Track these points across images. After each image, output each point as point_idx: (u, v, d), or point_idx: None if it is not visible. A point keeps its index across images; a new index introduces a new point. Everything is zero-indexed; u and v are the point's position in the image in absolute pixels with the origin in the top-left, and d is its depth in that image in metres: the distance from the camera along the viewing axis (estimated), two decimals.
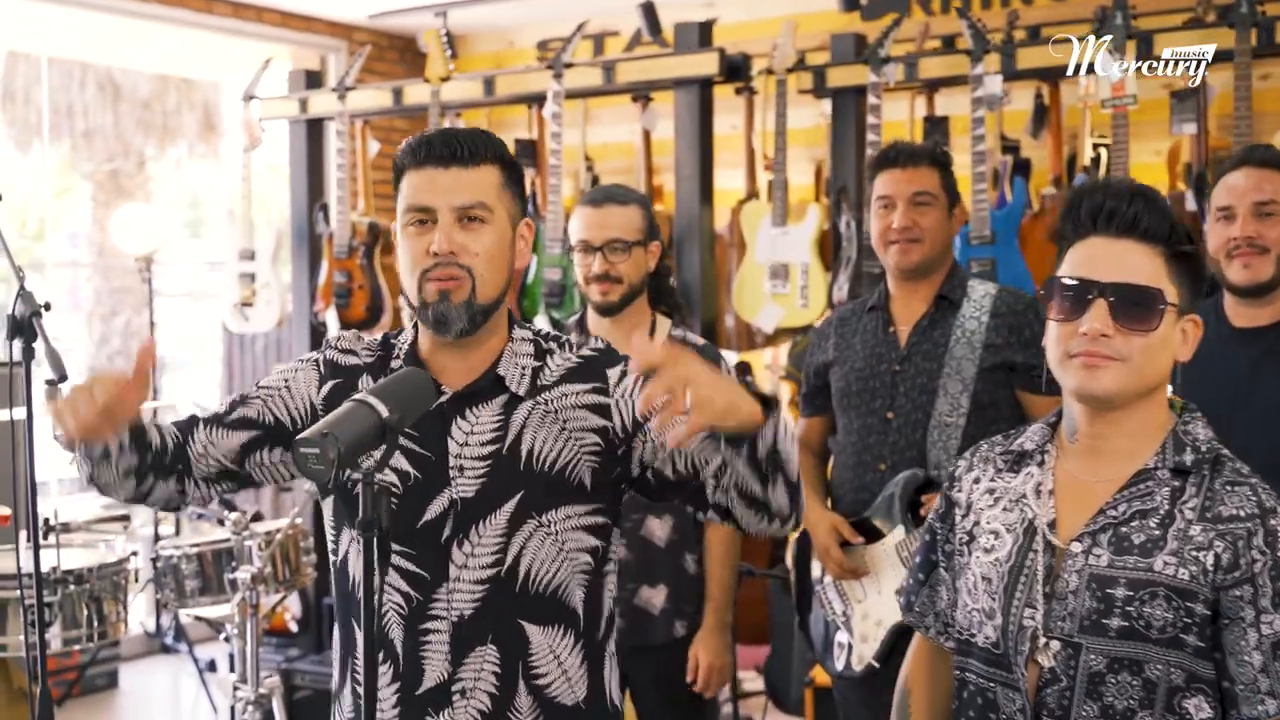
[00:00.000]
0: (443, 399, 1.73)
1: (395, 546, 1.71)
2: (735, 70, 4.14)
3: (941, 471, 2.63)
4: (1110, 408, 1.59)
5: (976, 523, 1.69)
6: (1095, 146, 4.13)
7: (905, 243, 2.67)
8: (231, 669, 3.09)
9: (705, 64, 4.06)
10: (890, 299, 2.77)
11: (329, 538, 1.85)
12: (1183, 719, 1.52)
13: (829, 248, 4.01)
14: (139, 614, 5.58)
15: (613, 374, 1.77)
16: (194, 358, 8.99)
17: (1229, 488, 1.56)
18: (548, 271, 4.15)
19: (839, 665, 2.73)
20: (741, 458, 1.58)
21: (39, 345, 2.26)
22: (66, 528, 3.08)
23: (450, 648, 1.71)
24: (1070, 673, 1.55)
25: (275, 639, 4.83)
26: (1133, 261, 1.58)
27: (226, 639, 3.08)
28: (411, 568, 1.72)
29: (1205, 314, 1.84)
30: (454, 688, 1.71)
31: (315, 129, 5.00)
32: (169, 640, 5.72)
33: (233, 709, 3.13)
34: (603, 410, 1.75)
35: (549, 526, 1.72)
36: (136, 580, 3.16)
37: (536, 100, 4.44)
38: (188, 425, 1.82)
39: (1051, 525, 1.61)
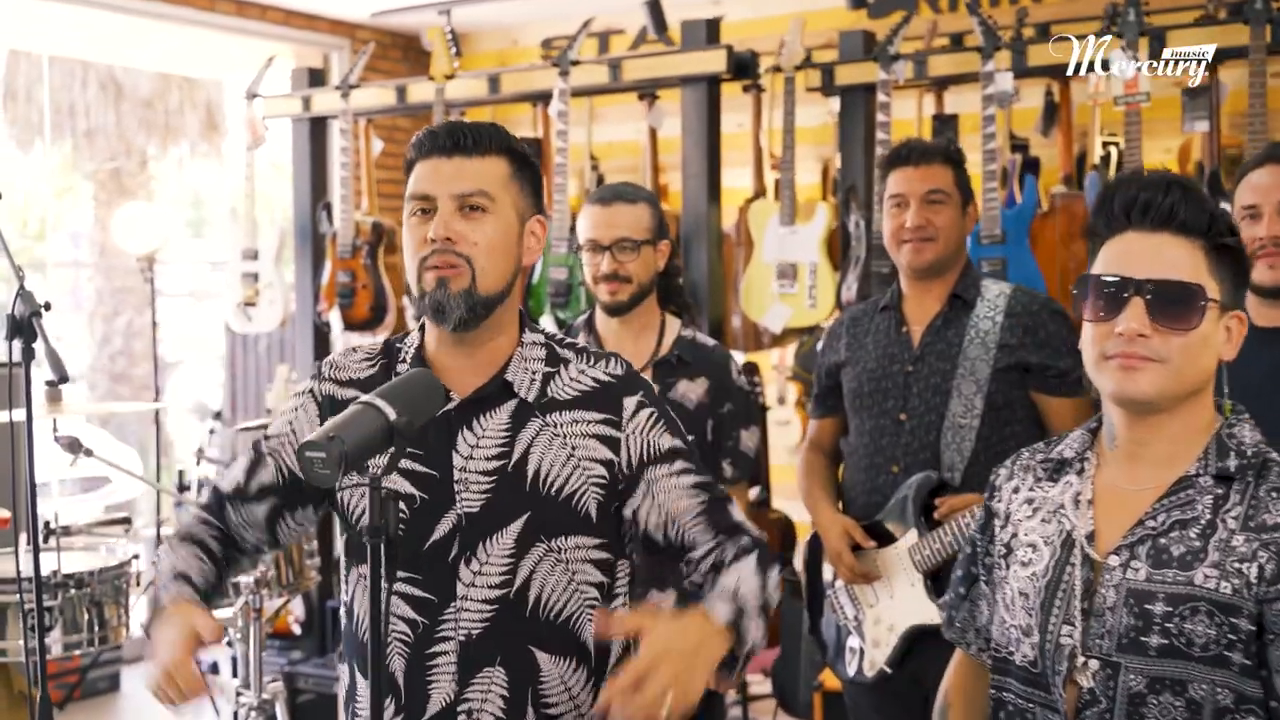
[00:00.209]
0: (449, 406, 1.70)
1: (402, 573, 1.68)
2: (743, 68, 4.10)
3: (955, 474, 2.59)
4: (1150, 411, 1.51)
5: (1014, 534, 1.61)
6: (1105, 145, 4.08)
7: (918, 242, 2.63)
8: (234, 673, 3.05)
9: (713, 61, 4.02)
10: (903, 298, 2.73)
11: (341, 573, 1.84)
12: None
13: (837, 247, 3.98)
14: (141, 617, 5.54)
15: (628, 405, 1.74)
16: (196, 358, 8.96)
17: (1275, 494, 1.47)
18: (553, 271, 4.11)
19: (850, 671, 2.70)
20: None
21: (39, 346, 2.22)
22: (67, 531, 3.04)
23: (458, 668, 1.68)
24: (1109, 694, 1.47)
25: (279, 642, 4.80)
26: (1170, 256, 1.49)
27: (229, 643, 3.04)
28: (418, 593, 1.69)
29: None
30: (460, 708, 1.67)
31: (318, 127, 4.97)
32: None
33: (235, 715, 3.09)
34: (612, 444, 1.72)
35: (559, 553, 1.69)
36: (139, 584, 3.13)
37: (542, 98, 4.41)
38: (218, 508, 1.83)
39: (1090, 537, 1.53)
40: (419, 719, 1.68)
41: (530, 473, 1.69)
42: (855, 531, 2.66)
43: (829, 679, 3.53)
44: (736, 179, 4.61)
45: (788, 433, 5.14)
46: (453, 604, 1.67)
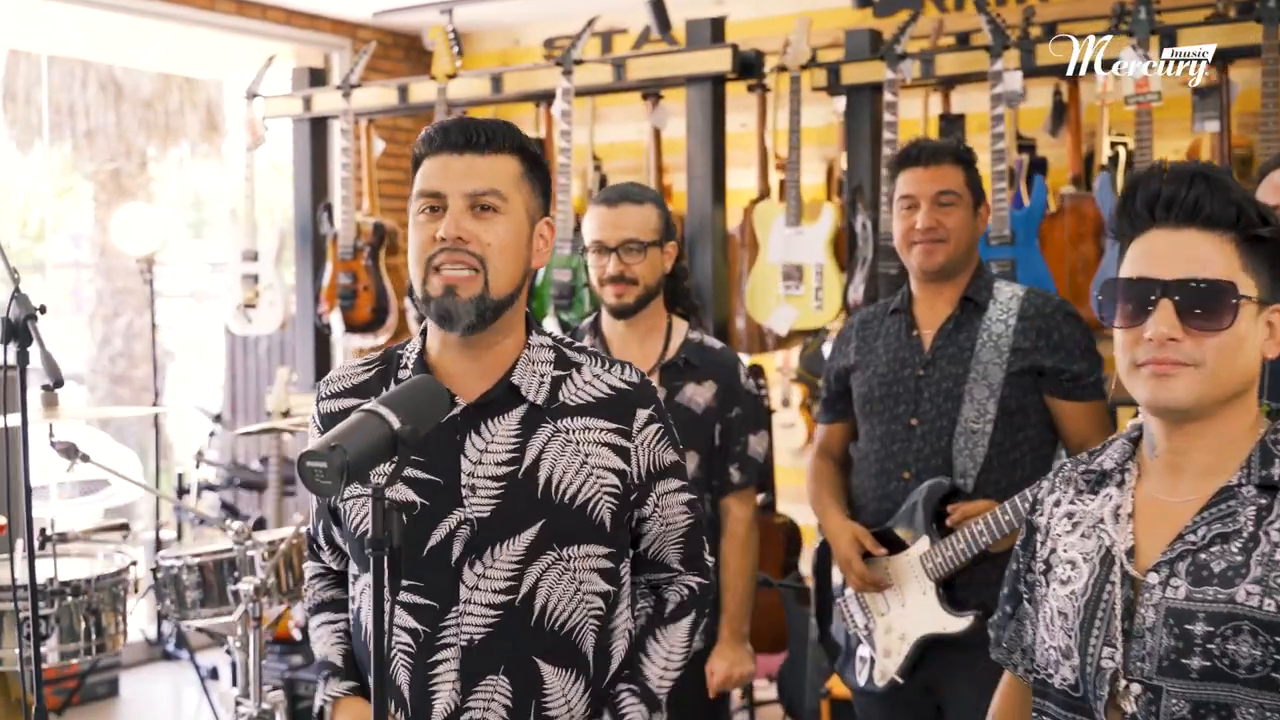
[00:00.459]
0: (455, 411, 1.66)
1: (403, 582, 1.66)
2: (748, 67, 4.06)
3: (968, 480, 2.55)
4: (1188, 419, 1.43)
5: (1054, 550, 1.54)
6: (1113, 145, 4.05)
7: (929, 243, 2.58)
8: (234, 682, 3.01)
9: (718, 60, 3.98)
10: (913, 301, 2.68)
11: (349, 584, 1.82)
12: None
13: (843, 248, 3.94)
14: (140, 621, 5.50)
15: (640, 416, 1.73)
16: (196, 359, 8.92)
17: None
18: (556, 273, 4.06)
19: (861, 680, 2.65)
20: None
21: (34, 350, 2.18)
22: (64, 537, 2.99)
23: (459, 675, 1.65)
24: (1152, 719, 1.39)
25: (279, 647, 4.75)
26: (1198, 253, 1.41)
27: (228, 651, 3.00)
28: (420, 600, 1.66)
29: None
30: (463, 717, 1.65)
31: (319, 128, 4.93)
32: (170, 647, 5.65)
33: None
34: (623, 453, 1.71)
35: (568, 562, 1.67)
36: (137, 590, 3.08)
37: (545, 98, 4.37)
38: (314, 551, 1.90)
39: (1130, 553, 1.46)
40: None
41: (542, 480, 1.67)
42: (866, 539, 2.62)
43: (837, 686, 3.49)
44: (740, 179, 4.57)
45: (792, 435, 5.10)
46: (455, 608, 1.65)
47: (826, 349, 4.52)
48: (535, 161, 1.71)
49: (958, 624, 2.51)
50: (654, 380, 2.38)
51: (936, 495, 2.55)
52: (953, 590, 2.55)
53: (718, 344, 2.78)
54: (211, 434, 5.97)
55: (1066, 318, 2.58)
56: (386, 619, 1.42)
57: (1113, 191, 3.59)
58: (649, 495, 1.76)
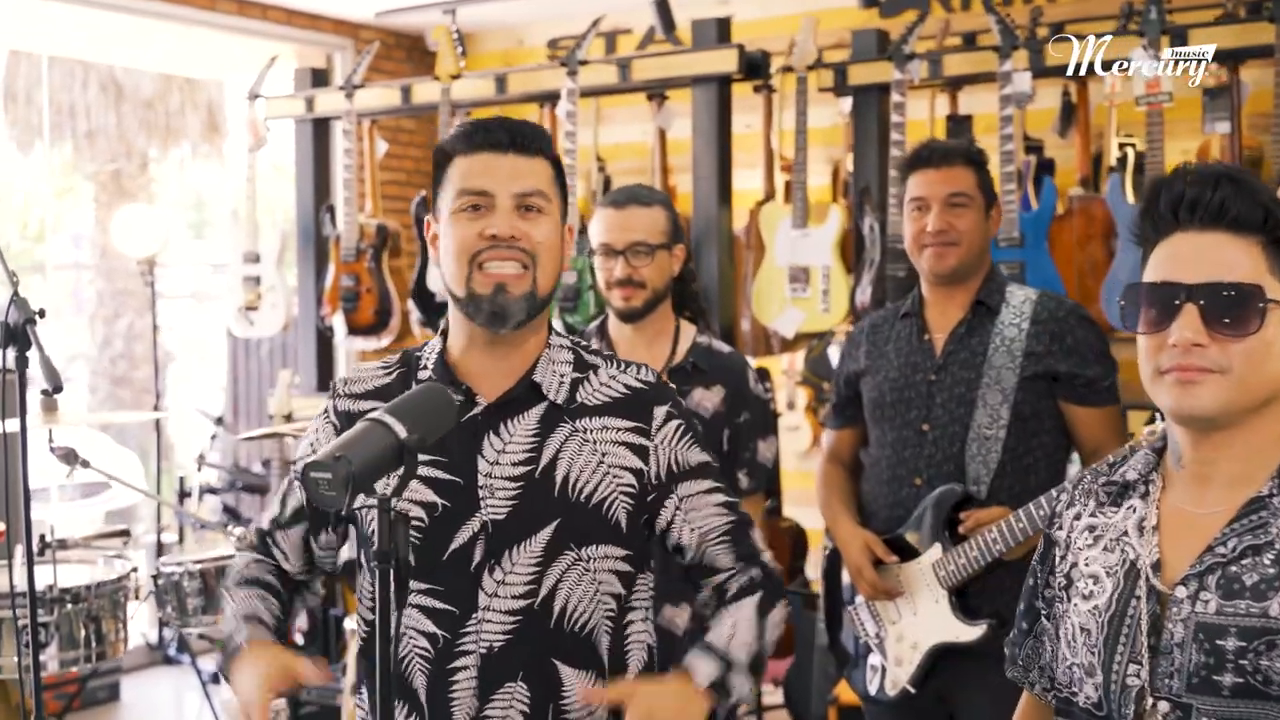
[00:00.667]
0: (476, 411, 1.66)
1: (421, 585, 1.64)
2: (754, 68, 4.03)
3: (981, 486, 2.51)
4: (1215, 428, 1.39)
5: (1074, 565, 1.49)
6: (1121, 146, 4.01)
7: (940, 246, 2.55)
8: None
9: (724, 61, 3.95)
10: (925, 305, 2.65)
11: (361, 586, 1.78)
12: None
13: (850, 250, 3.90)
14: (141, 625, 5.47)
15: (658, 414, 1.71)
16: (198, 361, 8.89)
17: None
18: (561, 275, 4.03)
19: (872, 689, 2.62)
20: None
21: (33, 354, 2.15)
22: (63, 544, 2.96)
23: (478, 683, 1.63)
24: None
25: None
26: (1224, 256, 1.36)
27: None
28: (439, 605, 1.64)
29: None
30: None
31: (321, 128, 4.90)
32: (171, 652, 5.62)
33: None
34: (641, 453, 1.69)
35: (587, 562, 1.65)
36: (138, 596, 3.05)
37: (549, 99, 4.33)
38: (263, 546, 1.81)
39: (1156, 566, 1.41)
40: None
41: (559, 478, 1.65)
42: (877, 546, 2.58)
43: (845, 693, 3.46)
44: (745, 181, 4.53)
45: (797, 438, 5.06)
46: (474, 615, 1.62)
47: (831, 351, 4.49)
48: (560, 166, 1.72)
49: (971, 633, 2.48)
50: None
51: (949, 502, 2.51)
52: (965, 598, 2.51)
53: (726, 348, 2.75)
54: (213, 436, 5.94)
55: (1080, 321, 2.55)
56: (393, 629, 1.38)
57: (1122, 193, 3.56)
58: (668, 496, 1.71)
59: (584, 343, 1.78)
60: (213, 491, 5.47)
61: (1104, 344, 2.57)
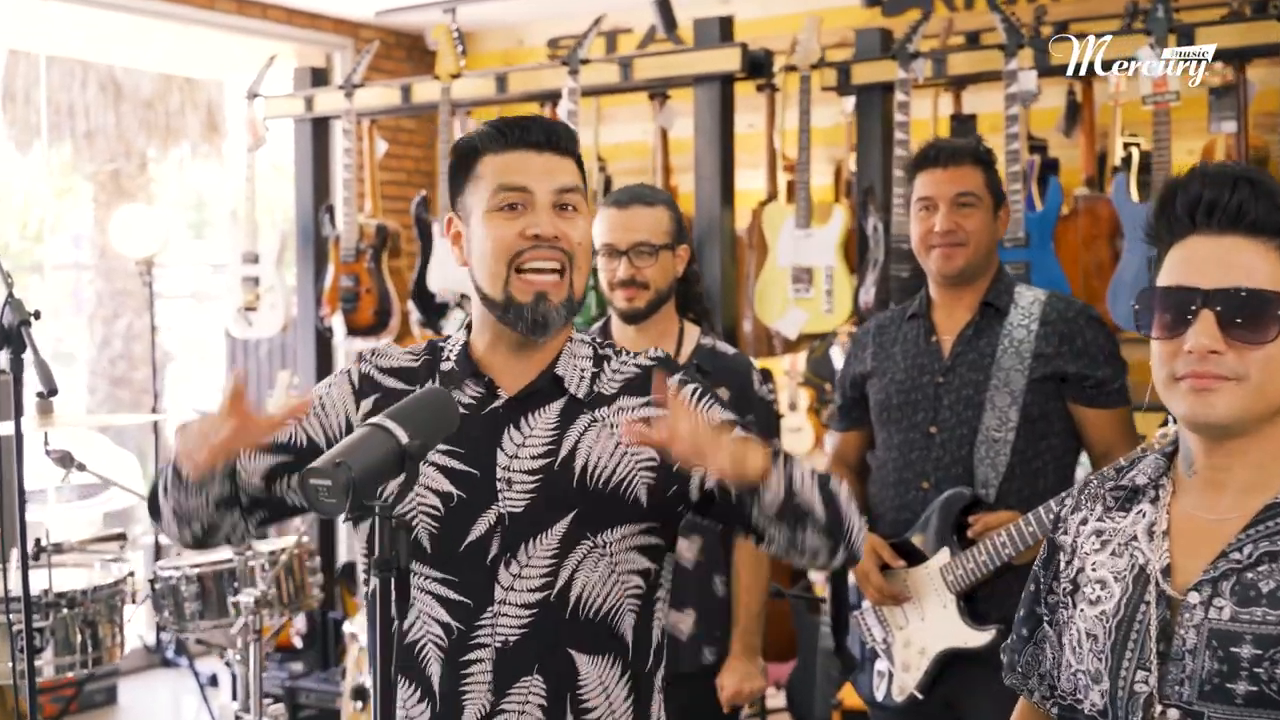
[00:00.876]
0: (497, 404, 1.64)
1: (436, 574, 1.62)
2: (757, 67, 4.00)
3: (989, 490, 2.48)
4: (1229, 436, 1.36)
5: (1081, 570, 1.46)
6: (1126, 145, 3.99)
7: (948, 247, 2.51)
8: (234, 695, 2.94)
9: (727, 60, 3.92)
10: (932, 306, 2.61)
11: (360, 567, 1.75)
12: None
13: (854, 250, 3.87)
14: (139, 627, 5.44)
15: (671, 384, 1.66)
16: (197, 361, 8.86)
17: None
18: None
19: (879, 695, 2.58)
20: (759, 508, 1.55)
21: (28, 356, 2.12)
22: (59, 548, 2.92)
23: (493, 678, 1.60)
24: None
25: (280, 654, 4.69)
26: (1241, 261, 1.34)
27: (228, 663, 2.93)
28: (454, 595, 1.62)
29: None
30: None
31: (321, 128, 4.87)
32: (169, 654, 5.59)
33: None
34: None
35: (604, 548, 1.62)
36: (134, 600, 3.02)
37: (550, 98, 4.31)
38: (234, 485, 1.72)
39: (1166, 572, 1.38)
40: None
41: (578, 468, 1.63)
42: (883, 550, 2.55)
43: (849, 697, 3.43)
44: (748, 181, 4.50)
45: (799, 440, 5.03)
46: (490, 609, 1.60)
47: (834, 352, 4.47)
48: (583, 167, 1.71)
49: (979, 638, 2.45)
50: None
51: (957, 506, 2.48)
52: (974, 603, 2.48)
53: (730, 350, 2.72)
54: None
55: (1090, 322, 2.52)
56: (395, 640, 1.35)
57: (1127, 193, 3.53)
58: None
59: (597, 339, 1.77)
60: None
61: (1114, 345, 2.54)
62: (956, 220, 2.51)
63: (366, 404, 1.69)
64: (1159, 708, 1.33)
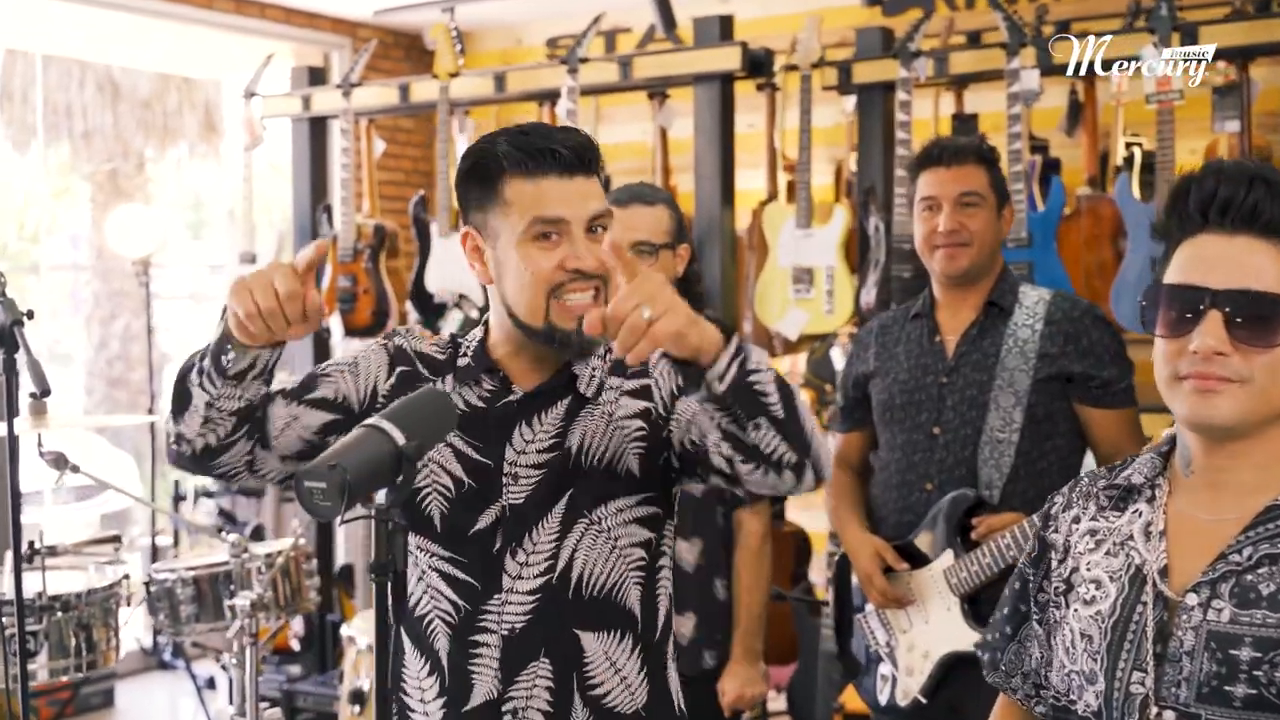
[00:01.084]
0: (511, 398, 1.65)
1: (445, 553, 1.64)
2: (758, 66, 3.98)
3: (993, 491, 2.46)
4: (1230, 438, 1.35)
5: (1075, 569, 1.45)
6: (1129, 145, 3.96)
7: (952, 247, 2.49)
8: (230, 700, 2.91)
9: (727, 59, 3.89)
10: (936, 306, 2.59)
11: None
12: None
13: (855, 250, 3.85)
14: (136, 630, 5.41)
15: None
16: None
17: None
18: None
19: (882, 699, 2.56)
20: (708, 400, 1.49)
21: (20, 356, 2.09)
22: (53, 550, 2.90)
23: (500, 664, 1.61)
24: None
25: (277, 657, 4.66)
26: (1252, 263, 1.31)
27: (224, 667, 2.90)
28: (462, 576, 1.63)
29: None
30: (504, 708, 1.61)
31: (319, 127, 4.84)
32: (166, 657, 5.56)
33: None
34: (644, 393, 1.66)
35: (600, 523, 1.62)
36: (129, 603, 2.99)
37: (549, 97, 4.28)
38: (265, 399, 1.67)
39: (1163, 573, 1.37)
40: (463, 705, 1.63)
41: (574, 449, 1.63)
42: (887, 553, 2.53)
43: (850, 700, 3.40)
44: (748, 181, 4.48)
45: None
46: (497, 595, 1.62)
47: (834, 353, 4.44)
48: (604, 172, 1.69)
49: None
50: None
51: (961, 507, 2.46)
52: (978, 606, 2.45)
53: None
54: None
55: (1095, 322, 2.50)
56: (391, 642, 1.33)
57: (1130, 192, 3.51)
58: (672, 418, 1.64)
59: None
60: (209, 495, 5.42)
61: (1120, 345, 2.52)
62: (960, 220, 2.49)
63: (396, 374, 1.70)
64: (1155, 709, 1.32)
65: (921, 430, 2.53)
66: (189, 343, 8.74)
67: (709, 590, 2.65)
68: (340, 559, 5.07)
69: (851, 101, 3.99)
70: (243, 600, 2.79)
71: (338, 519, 1.29)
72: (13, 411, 2.19)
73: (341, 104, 4.54)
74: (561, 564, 1.61)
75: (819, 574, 4.39)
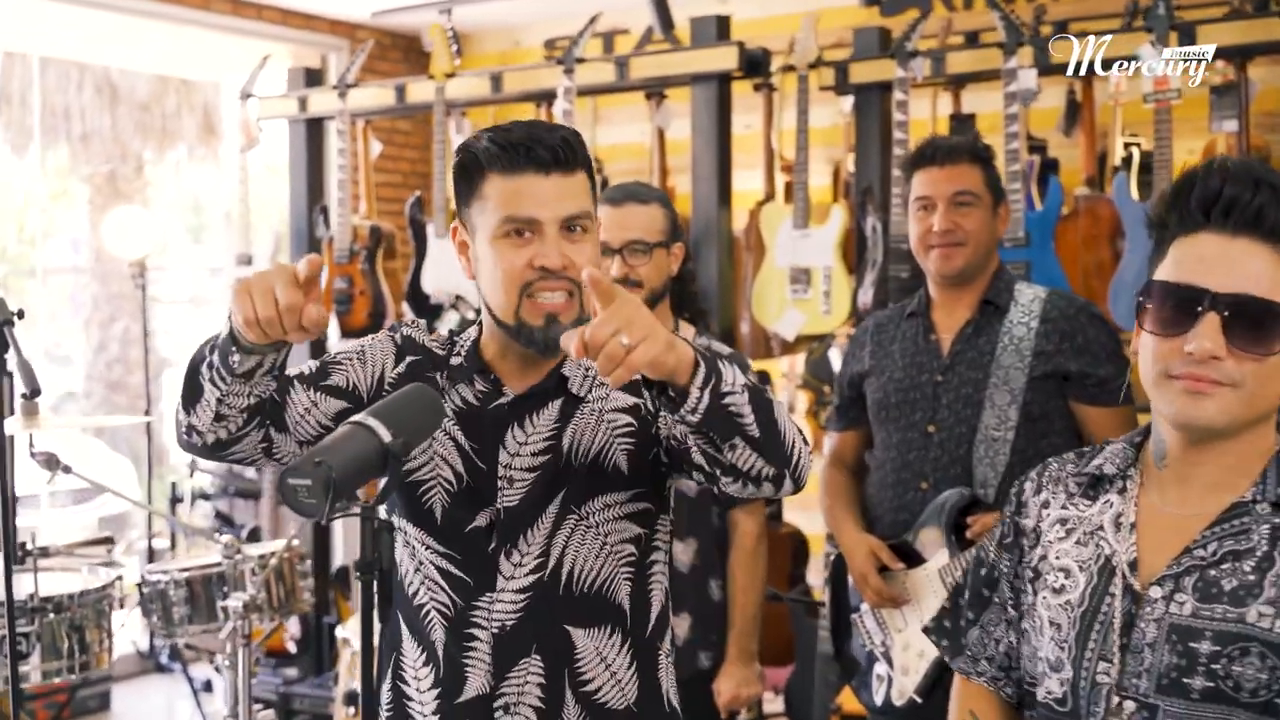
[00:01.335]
0: (503, 401, 1.65)
1: (440, 547, 1.65)
2: (755, 65, 3.96)
3: (988, 490, 2.45)
4: (1212, 438, 1.36)
5: (1044, 556, 1.46)
6: (1127, 145, 3.96)
7: (947, 247, 2.48)
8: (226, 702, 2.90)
9: (724, 58, 3.88)
10: (931, 305, 2.58)
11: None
12: None
13: (852, 251, 3.84)
14: (133, 633, 5.40)
15: None
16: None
17: None
18: None
19: (878, 699, 2.55)
20: (681, 425, 1.46)
21: (10, 356, 2.08)
22: (45, 552, 2.88)
23: (492, 660, 1.61)
24: None
25: (273, 659, 4.65)
26: (1252, 267, 1.31)
27: (217, 668, 2.89)
28: (457, 572, 1.64)
29: None
30: (496, 703, 1.61)
31: (315, 129, 4.84)
32: (163, 660, 5.54)
33: None
34: (633, 388, 1.65)
35: (589, 519, 1.62)
36: (123, 605, 2.98)
37: (546, 98, 4.27)
38: (283, 383, 1.68)
39: (1132, 565, 1.38)
40: (456, 698, 1.63)
41: (565, 449, 1.63)
42: (882, 552, 2.52)
43: (848, 701, 3.39)
44: (745, 181, 4.47)
45: None
46: (489, 594, 1.63)
47: (833, 354, 4.43)
48: (591, 171, 1.66)
49: None
50: None
51: (956, 506, 2.45)
52: None
53: (726, 350, 2.68)
54: None
55: (1092, 320, 2.49)
56: (375, 639, 1.32)
57: (1128, 193, 3.50)
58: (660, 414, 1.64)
59: None
60: (205, 497, 5.41)
61: (1116, 343, 2.51)
62: (955, 219, 2.48)
63: (403, 365, 1.70)
64: (1116, 699, 1.34)
65: (916, 429, 2.52)
66: (188, 346, 8.74)
67: (704, 591, 2.63)
68: (337, 561, 5.05)
69: (849, 102, 3.98)
70: (235, 601, 2.78)
71: (323, 516, 1.28)
72: (3, 412, 2.17)
73: (338, 105, 4.54)
74: (552, 561, 1.62)
75: (816, 575, 4.37)
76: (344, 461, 1.28)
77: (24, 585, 2.73)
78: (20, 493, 2.83)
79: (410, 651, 1.67)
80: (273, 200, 7.12)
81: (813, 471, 1.62)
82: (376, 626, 1.31)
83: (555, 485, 1.62)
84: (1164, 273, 1.36)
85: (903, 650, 2.52)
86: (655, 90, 4.22)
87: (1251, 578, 1.31)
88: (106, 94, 7.12)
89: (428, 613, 1.65)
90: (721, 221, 3.93)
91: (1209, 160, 1.37)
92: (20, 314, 2.13)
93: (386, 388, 1.68)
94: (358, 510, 1.30)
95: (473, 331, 1.73)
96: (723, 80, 3.92)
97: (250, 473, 5.59)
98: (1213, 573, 1.33)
